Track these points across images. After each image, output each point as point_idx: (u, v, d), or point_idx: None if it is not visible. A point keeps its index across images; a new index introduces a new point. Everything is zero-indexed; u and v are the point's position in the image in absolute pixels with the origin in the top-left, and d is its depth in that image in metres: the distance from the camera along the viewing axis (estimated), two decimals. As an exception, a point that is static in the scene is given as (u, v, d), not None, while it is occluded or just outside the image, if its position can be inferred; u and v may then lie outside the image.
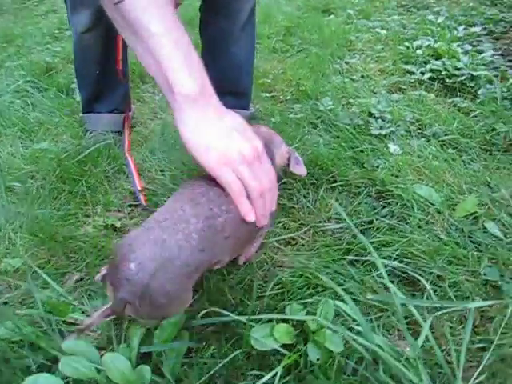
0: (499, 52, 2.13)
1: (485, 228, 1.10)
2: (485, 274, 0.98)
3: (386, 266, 0.97)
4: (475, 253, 1.01)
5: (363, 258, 0.98)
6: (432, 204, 1.17)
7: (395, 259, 1.00)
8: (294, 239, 1.11)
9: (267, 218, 0.81)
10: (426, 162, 1.33)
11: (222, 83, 1.50)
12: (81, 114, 1.72)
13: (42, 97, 2.01)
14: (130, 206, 1.30)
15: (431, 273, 0.97)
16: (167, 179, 1.31)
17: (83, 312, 0.96)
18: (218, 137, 0.74)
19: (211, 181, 0.79)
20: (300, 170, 1.09)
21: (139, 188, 1.28)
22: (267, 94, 1.87)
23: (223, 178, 0.74)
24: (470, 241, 1.07)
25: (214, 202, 0.78)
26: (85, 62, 1.58)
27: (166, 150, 1.48)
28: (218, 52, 1.50)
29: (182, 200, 0.79)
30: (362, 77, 1.98)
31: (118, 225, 1.20)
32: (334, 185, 1.23)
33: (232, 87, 1.56)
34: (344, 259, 1.02)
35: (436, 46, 1.93)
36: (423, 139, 1.46)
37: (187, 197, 0.79)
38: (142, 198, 1.26)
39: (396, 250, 1.01)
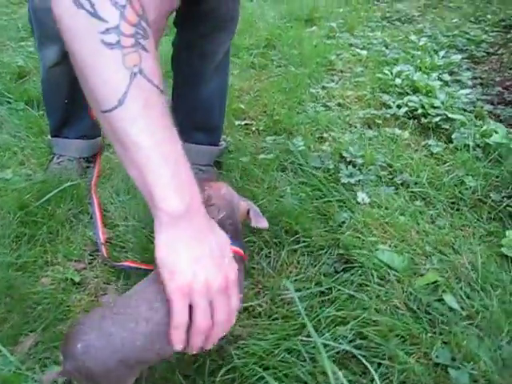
0: (478, 81, 2.11)
1: (442, 300, 1.11)
2: (437, 357, 0.99)
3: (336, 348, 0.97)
4: (429, 334, 1.02)
5: (313, 339, 0.98)
6: (393, 269, 1.17)
7: (349, 339, 1.00)
8: (251, 305, 1.11)
9: (209, 346, 0.75)
10: (392, 217, 1.33)
11: (192, 120, 1.49)
12: (48, 137, 1.67)
13: (10, 113, 1.95)
14: (91, 254, 1.28)
15: (384, 355, 0.97)
16: (129, 229, 1.29)
17: (36, 381, 0.96)
18: (189, 263, 0.69)
19: None
20: (262, 223, 1.07)
21: (102, 241, 1.25)
22: (240, 122, 1.83)
23: (174, 304, 0.69)
24: (427, 314, 1.08)
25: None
26: (53, 93, 1.54)
27: (132, 190, 1.45)
28: (190, 89, 1.47)
29: (141, 298, 0.78)
30: (339, 105, 1.95)
31: (76, 279, 1.18)
32: (296, 247, 1.22)
33: (202, 124, 1.53)
34: (300, 333, 1.02)
35: (415, 78, 1.91)
36: (392, 188, 1.46)
37: (146, 296, 0.78)
38: (103, 250, 1.24)
39: (351, 330, 1.01)
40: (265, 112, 1.92)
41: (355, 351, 0.96)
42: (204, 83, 1.44)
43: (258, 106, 1.95)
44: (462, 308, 1.10)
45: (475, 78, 2.11)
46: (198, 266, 0.69)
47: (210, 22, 1.28)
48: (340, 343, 0.98)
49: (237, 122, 1.83)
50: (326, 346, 0.98)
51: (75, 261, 1.26)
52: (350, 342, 1.00)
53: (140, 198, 1.41)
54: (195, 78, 1.45)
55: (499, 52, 2.34)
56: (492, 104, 1.93)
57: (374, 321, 1.03)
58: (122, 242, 1.28)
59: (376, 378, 0.89)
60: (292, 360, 0.96)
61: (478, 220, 1.34)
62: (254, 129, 1.80)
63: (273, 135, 1.75)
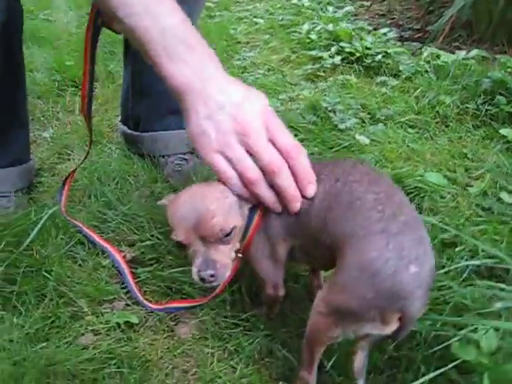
0: (373, 26, 2.25)
1: (500, 199, 1.14)
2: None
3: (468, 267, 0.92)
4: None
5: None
6: (446, 187, 1.17)
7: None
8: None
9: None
10: (403, 147, 1.33)
11: (165, 103, 1.29)
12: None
13: None
14: (123, 285, 0.98)
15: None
16: (150, 243, 1.04)
17: None
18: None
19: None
20: None
21: (137, 292, 0.95)
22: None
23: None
24: (499, 215, 1.09)
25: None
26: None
27: (127, 197, 1.17)
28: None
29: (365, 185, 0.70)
30: (269, 70, 1.88)
31: (134, 320, 0.90)
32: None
33: (176, 105, 1.31)
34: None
35: (328, 28, 1.94)
36: (380, 124, 1.45)
37: (367, 179, 0.71)
38: (147, 302, 0.94)
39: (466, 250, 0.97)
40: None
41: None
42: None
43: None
44: (518, 202, 1.15)
45: (370, 25, 2.23)
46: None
47: None
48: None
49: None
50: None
51: (110, 301, 0.96)
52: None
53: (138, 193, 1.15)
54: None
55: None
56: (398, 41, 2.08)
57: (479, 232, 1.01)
58: (150, 258, 1.02)
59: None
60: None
61: (468, 130, 1.42)
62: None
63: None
